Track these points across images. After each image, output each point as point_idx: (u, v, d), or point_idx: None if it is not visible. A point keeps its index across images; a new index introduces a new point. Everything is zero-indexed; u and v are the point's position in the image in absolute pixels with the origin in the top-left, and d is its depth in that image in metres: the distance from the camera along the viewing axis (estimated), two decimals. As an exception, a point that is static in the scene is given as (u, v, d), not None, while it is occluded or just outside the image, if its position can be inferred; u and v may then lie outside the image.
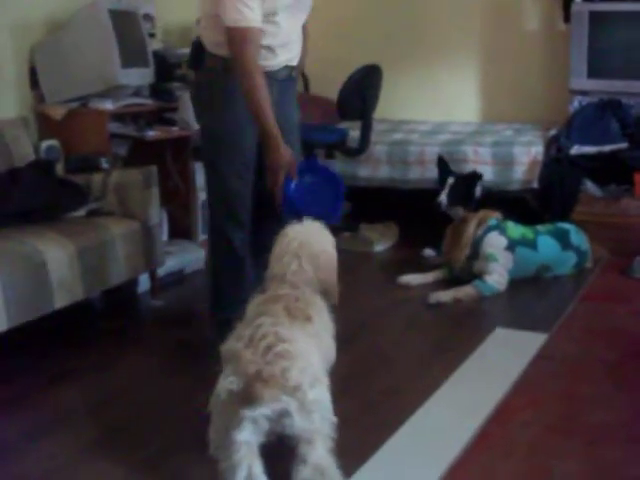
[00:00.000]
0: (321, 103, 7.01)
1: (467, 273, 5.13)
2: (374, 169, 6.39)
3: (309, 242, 3.07)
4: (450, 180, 5.57)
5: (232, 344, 2.69)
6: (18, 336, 4.03)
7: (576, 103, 6.37)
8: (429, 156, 6.09)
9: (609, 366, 3.96)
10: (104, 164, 4.91)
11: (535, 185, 5.97)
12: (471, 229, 5.13)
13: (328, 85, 6.75)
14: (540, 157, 6.00)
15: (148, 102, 5.42)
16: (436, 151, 6.06)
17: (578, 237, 5.31)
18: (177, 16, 6.14)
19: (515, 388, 3.70)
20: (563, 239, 5.24)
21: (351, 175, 6.43)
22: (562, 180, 5.86)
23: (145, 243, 4.68)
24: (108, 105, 5.07)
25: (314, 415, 2.59)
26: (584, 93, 6.36)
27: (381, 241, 6.14)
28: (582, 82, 6.37)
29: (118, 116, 5.27)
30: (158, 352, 4.25)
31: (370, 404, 3.59)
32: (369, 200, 6.70)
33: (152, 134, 5.22)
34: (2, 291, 3.75)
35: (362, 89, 6.06)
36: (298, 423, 2.57)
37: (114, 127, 5.18)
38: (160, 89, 5.48)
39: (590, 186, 5.84)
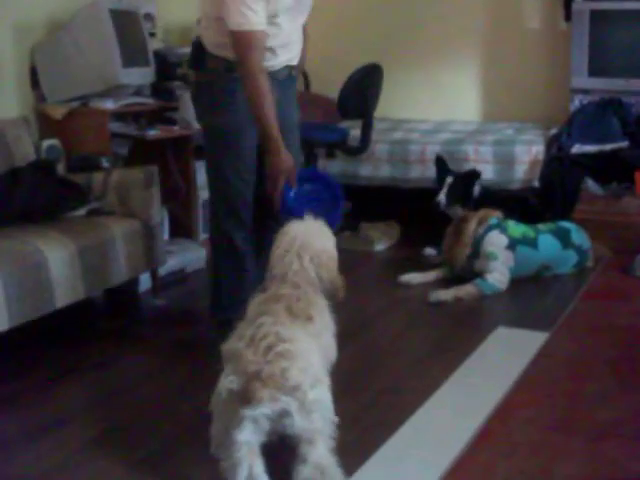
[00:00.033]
0: (322, 102, 7.01)
1: (468, 272, 5.13)
2: (375, 168, 6.39)
3: (310, 241, 3.07)
4: (449, 179, 5.58)
5: (233, 344, 2.69)
6: (19, 335, 4.03)
7: (577, 102, 6.37)
8: (430, 155, 6.09)
9: (611, 364, 3.96)
10: (105, 163, 4.91)
11: (536, 184, 5.97)
12: (472, 228, 5.13)
13: (329, 84, 6.75)
14: (541, 156, 6.00)
15: (149, 101, 5.41)
16: (437, 150, 6.07)
17: (579, 236, 5.31)
18: (178, 15, 6.15)
19: (517, 386, 3.70)
20: (564, 238, 5.24)
21: (352, 174, 6.44)
22: (563, 179, 5.85)
23: (146, 242, 4.68)
24: (109, 104, 5.07)
25: (314, 415, 2.59)
26: (585, 92, 6.36)
27: (382, 240, 6.13)
28: (583, 81, 6.37)
29: (119, 115, 5.27)
30: (159, 351, 4.24)
31: (371, 403, 3.59)
32: (370, 199, 6.69)
33: (153, 133, 5.22)
34: (3, 290, 3.75)
35: (363, 88, 6.06)
36: (298, 423, 2.58)
37: (115, 126, 5.18)
38: (161, 88, 5.48)
39: (591, 185, 5.84)
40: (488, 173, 6.02)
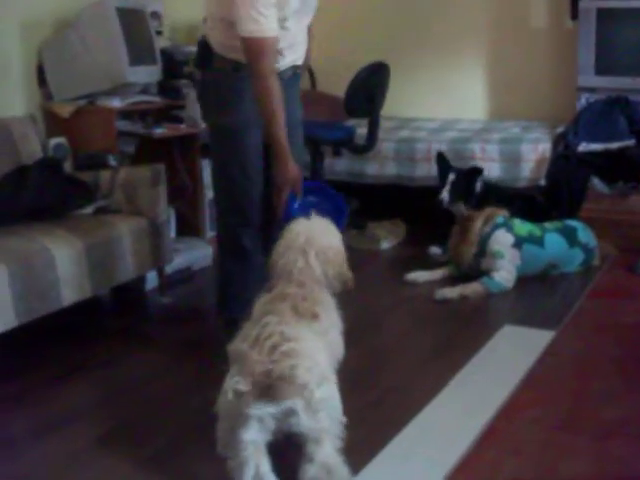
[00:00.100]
0: (328, 100, 7.01)
1: (474, 270, 5.13)
2: (381, 166, 6.38)
3: (316, 237, 3.07)
4: (451, 176, 5.60)
5: (238, 344, 2.70)
6: (26, 333, 4.04)
7: (583, 100, 6.35)
8: (436, 153, 6.09)
9: (617, 362, 3.96)
10: (112, 162, 4.92)
11: (542, 182, 5.96)
12: (478, 226, 5.12)
13: (335, 82, 6.76)
14: (547, 154, 5.99)
15: (156, 100, 5.42)
16: (443, 149, 6.06)
17: (585, 234, 5.31)
18: (184, 14, 6.15)
19: (523, 385, 3.70)
20: (570, 236, 5.24)
21: (358, 172, 6.45)
22: (569, 177, 5.85)
23: (153, 240, 4.69)
24: (116, 103, 5.08)
25: (321, 414, 2.59)
26: (592, 90, 6.35)
27: (388, 238, 6.14)
28: (590, 79, 6.36)
29: (126, 114, 5.28)
30: (165, 349, 4.25)
31: (377, 401, 3.60)
32: (376, 197, 6.70)
33: (160, 132, 5.23)
34: (11, 288, 3.76)
35: (369, 86, 6.07)
36: (305, 422, 2.58)
37: (122, 125, 5.19)
38: (168, 87, 5.49)
39: (597, 183, 5.84)
40: (494, 171, 6.02)
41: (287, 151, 3.56)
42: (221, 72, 3.67)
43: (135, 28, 5.12)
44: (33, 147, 4.82)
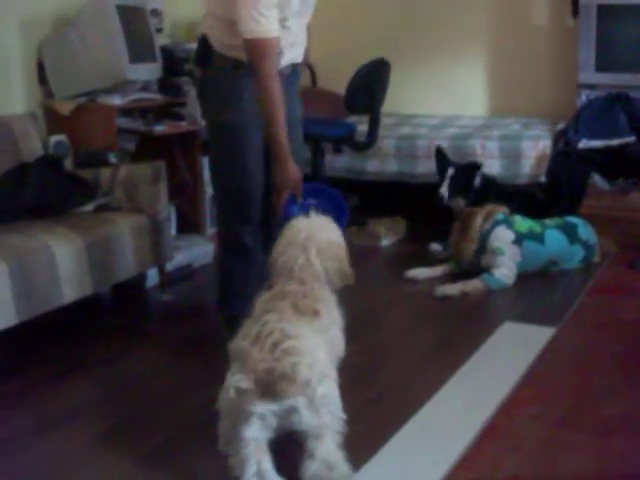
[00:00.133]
0: (329, 97, 7.01)
1: (475, 267, 5.13)
2: (382, 163, 6.39)
3: (316, 234, 3.07)
4: (450, 171, 5.61)
5: (239, 342, 2.70)
6: (27, 330, 4.05)
7: (584, 97, 6.35)
8: (435, 149, 6.08)
9: (618, 359, 3.96)
10: (112, 159, 4.92)
11: (543, 179, 5.97)
12: (478, 223, 5.12)
13: (336, 79, 6.76)
14: (548, 151, 6.00)
15: (156, 97, 5.42)
16: (444, 145, 6.06)
17: (586, 231, 5.31)
18: (184, 11, 6.15)
19: (523, 382, 3.70)
20: (571, 233, 5.24)
21: (359, 169, 6.46)
22: (570, 174, 5.85)
23: (153, 238, 4.69)
24: (116, 100, 5.08)
25: (322, 411, 2.60)
26: (592, 87, 6.35)
27: (388, 235, 6.14)
28: (590, 76, 6.36)
29: (126, 111, 5.28)
30: (166, 347, 4.25)
31: (378, 397, 3.60)
32: (377, 194, 6.71)
33: (160, 129, 5.23)
34: (11, 285, 3.77)
35: (370, 83, 6.07)
36: (306, 419, 2.58)
37: (122, 122, 5.19)
38: (168, 84, 5.49)
39: (598, 180, 5.84)
40: (495, 168, 6.03)
41: (287, 152, 3.56)
42: (221, 70, 3.67)
43: (135, 25, 5.12)
44: (34, 145, 4.83)
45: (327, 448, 2.63)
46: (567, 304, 4.68)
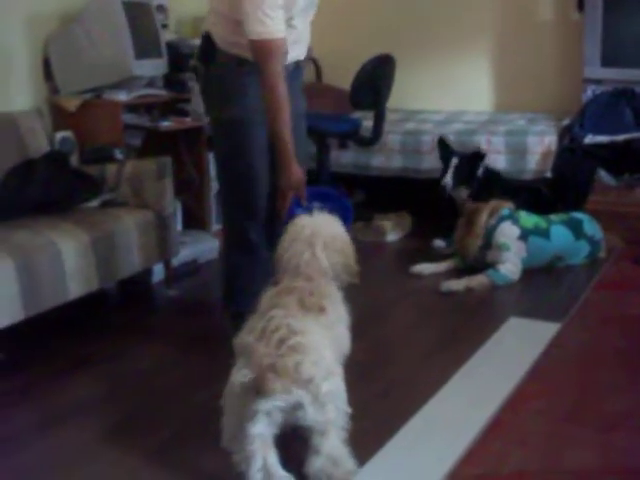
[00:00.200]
0: (334, 93, 7.01)
1: (480, 263, 5.13)
2: (387, 159, 6.39)
3: (322, 229, 3.07)
4: (454, 161, 5.61)
5: (245, 337, 2.70)
6: (33, 326, 4.06)
7: (589, 92, 6.35)
8: (437, 138, 6.08)
9: (623, 354, 3.97)
10: (118, 155, 4.92)
11: (548, 175, 5.96)
12: (484, 219, 5.12)
13: (341, 75, 6.77)
14: (553, 146, 5.99)
15: (162, 93, 5.43)
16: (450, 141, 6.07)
17: (591, 226, 5.31)
18: (190, 7, 6.15)
19: (529, 377, 3.71)
20: (576, 229, 5.24)
21: (364, 165, 6.46)
22: (575, 170, 5.85)
23: (159, 233, 4.70)
24: (122, 96, 5.08)
25: (327, 407, 2.61)
26: (598, 82, 6.34)
27: (394, 231, 6.14)
28: (596, 71, 6.35)
29: (132, 107, 5.29)
30: (172, 342, 4.26)
31: (383, 393, 3.60)
32: (382, 190, 6.71)
33: (166, 125, 5.24)
34: (18, 281, 3.78)
35: (375, 79, 6.07)
36: (311, 415, 2.59)
37: (128, 118, 5.20)
38: (173, 80, 5.49)
39: (603, 175, 5.83)
40: (500, 163, 6.03)
41: (291, 152, 3.56)
42: (224, 67, 3.67)
43: (141, 21, 5.13)
44: (40, 141, 4.83)
45: (332, 444, 2.64)
46: (572, 299, 4.68)
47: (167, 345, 4.22)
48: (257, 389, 2.51)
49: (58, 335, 4.32)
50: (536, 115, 6.65)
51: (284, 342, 2.57)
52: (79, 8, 5.08)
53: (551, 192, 5.83)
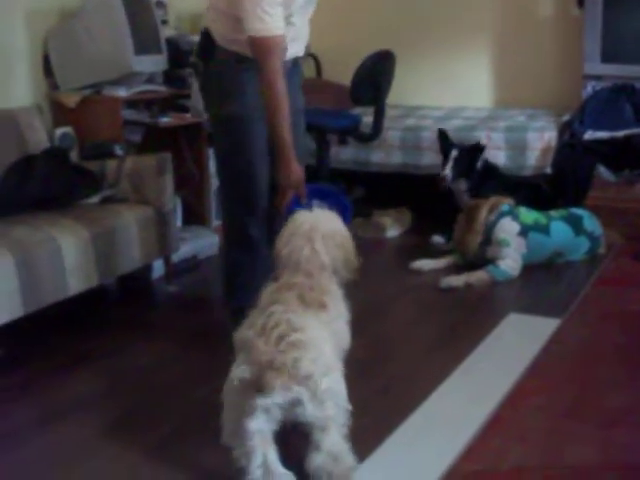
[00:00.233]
0: (334, 89, 7.01)
1: (480, 259, 5.13)
2: (387, 155, 6.39)
3: (320, 224, 3.07)
4: (454, 153, 5.62)
5: (245, 333, 2.70)
6: (32, 322, 4.06)
7: (589, 88, 6.34)
8: (437, 130, 6.08)
9: (622, 350, 3.97)
10: (118, 151, 4.92)
11: (548, 170, 5.96)
12: (483, 215, 5.12)
13: (341, 71, 6.76)
14: (553, 142, 5.99)
15: (161, 89, 5.43)
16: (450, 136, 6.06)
17: (591, 222, 5.31)
18: (189, 3, 6.15)
19: (528, 373, 3.71)
20: (576, 225, 5.24)
21: (364, 161, 6.46)
22: (575, 165, 5.85)
23: (159, 229, 4.70)
24: (122, 92, 5.09)
25: (327, 403, 2.60)
26: (598, 78, 6.33)
27: (394, 227, 6.14)
28: (596, 67, 6.35)
29: (132, 103, 5.29)
30: (172, 338, 4.26)
31: (383, 389, 3.61)
32: (382, 186, 6.71)
33: (166, 121, 5.25)
34: (18, 277, 3.78)
35: (375, 75, 6.06)
36: (310, 412, 2.58)
37: (128, 114, 5.20)
38: (173, 76, 5.50)
39: (603, 171, 5.83)
40: (500, 159, 6.03)
41: (290, 149, 3.55)
42: (224, 64, 3.66)
43: (140, 17, 5.12)
44: (39, 137, 4.83)
45: (332, 440, 2.64)
46: (572, 295, 4.69)
47: (167, 341, 4.23)
48: (257, 386, 2.51)
49: (58, 331, 4.32)
50: (536, 111, 6.65)
51: (283, 338, 2.56)
52: (79, 4, 5.09)
53: (551, 188, 5.84)
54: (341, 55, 7.01)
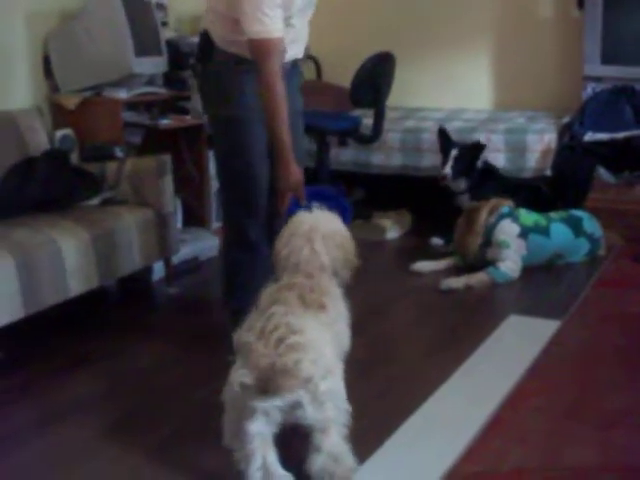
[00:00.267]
0: (334, 91, 7.01)
1: (480, 261, 5.13)
2: (387, 157, 6.39)
3: (320, 225, 3.07)
4: (454, 152, 5.62)
5: (244, 335, 2.69)
6: (33, 324, 4.06)
7: (589, 90, 6.34)
8: (437, 129, 6.08)
9: (622, 352, 3.97)
10: (118, 153, 4.92)
11: (548, 172, 5.97)
12: (483, 217, 5.12)
13: (341, 73, 6.76)
14: (553, 144, 6.00)
15: (162, 91, 5.43)
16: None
17: (591, 224, 5.31)
18: (189, 5, 6.15)
19: (528, 374, 3.71)
20: (576, 226, 5.24)
21: (364, 163, 6.46)
22: (575, 167, 5.85)
23: (159, 231, 4.70)
24: (122, 94, 5.08)
25: (327, 405, 2.60)
26: (598, 80, 6.34)
27: (394, 229, 6.14)
28: (596, 68, 6.35)
29: (132, 105, 5.28)
30: (172, 340, 4.26)
31: (383, 391, 3.61)
32: (382, 187, 6.70)
33: (166, 123, 5.24)
34: (18, 279, 3.78)
35: (375, 77, 6.07)
36: (310, 414, 2.59)
37: (128, 116, 5.20)
38: (173, 78, 5.50)
39: (603, 173, 5.84)
40: (500, 161, 6.03)
41: (289, 151, 3.55)
42: (223, 65, 3.66)
43: (141, 19, 5.12)
44: (39, 139, 4.83)
45: (333, 441, 2.64)
46: (572, 297, 4.69)
47: (167, 343, 4.22)
48: (261, 389, 2.51)
49: (58, 333, 4.32)
50: (536, 113, 6.65)
51: (283, 341, 2.56)
52: (79, 6, 5.09)
53: (551, 190, 5.84)
54: (341, 57, 7.01)
